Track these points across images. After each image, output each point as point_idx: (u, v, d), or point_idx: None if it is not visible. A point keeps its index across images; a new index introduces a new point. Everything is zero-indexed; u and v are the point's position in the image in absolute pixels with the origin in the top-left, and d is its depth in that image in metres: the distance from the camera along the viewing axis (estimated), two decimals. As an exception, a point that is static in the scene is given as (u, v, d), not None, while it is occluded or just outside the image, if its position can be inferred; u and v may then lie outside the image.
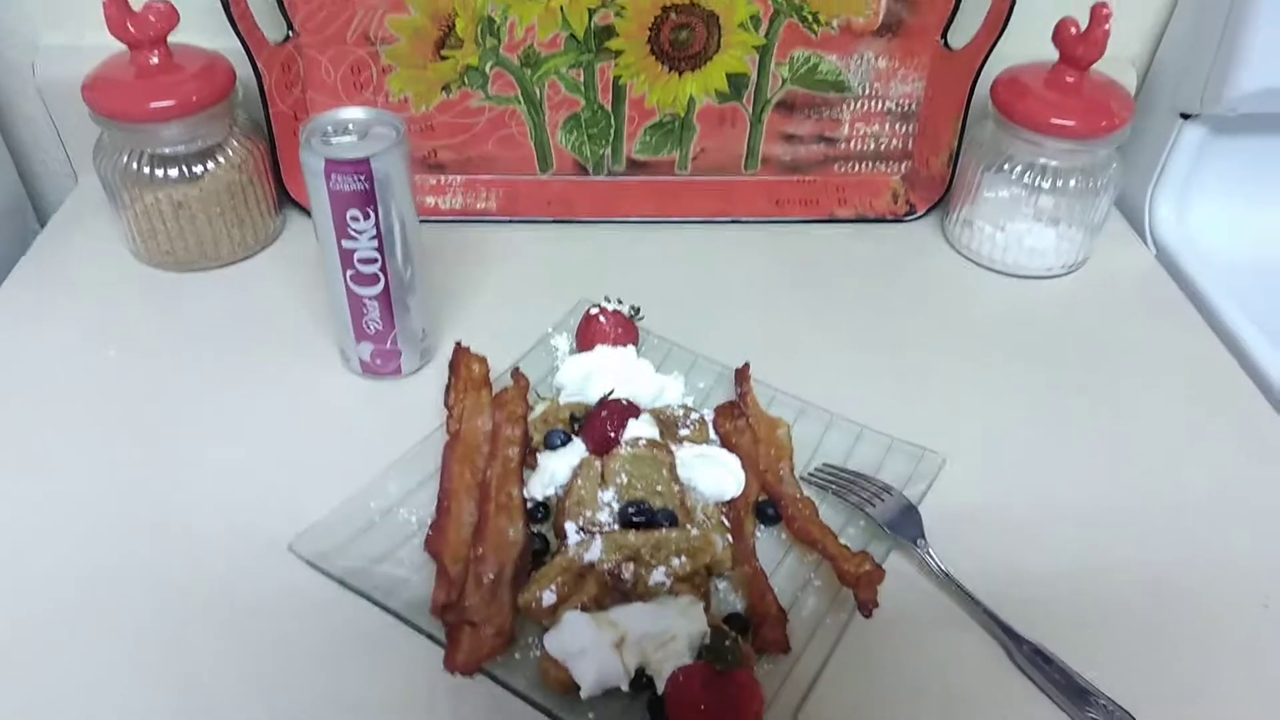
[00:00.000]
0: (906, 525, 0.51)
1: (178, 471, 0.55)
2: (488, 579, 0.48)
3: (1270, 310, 0.69)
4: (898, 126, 0.76)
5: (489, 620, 0.46)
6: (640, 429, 0.51)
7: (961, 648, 0.48)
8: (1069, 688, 0.45)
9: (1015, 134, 0.69)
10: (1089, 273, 0.74)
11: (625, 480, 0.50)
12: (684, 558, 0.46)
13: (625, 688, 0.43)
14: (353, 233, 0.53)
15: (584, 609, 0.45)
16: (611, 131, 0.75)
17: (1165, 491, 0.56)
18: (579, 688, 0.43)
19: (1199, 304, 0.71)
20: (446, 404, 0.56)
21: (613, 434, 0.51)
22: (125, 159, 0.65)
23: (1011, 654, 0.47)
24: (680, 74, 0.72)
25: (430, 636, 0.46)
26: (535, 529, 0.51)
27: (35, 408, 0.59)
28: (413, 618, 0.46)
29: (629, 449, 0.50)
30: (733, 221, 0.77)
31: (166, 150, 0.64)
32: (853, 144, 0.77)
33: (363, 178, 0.51)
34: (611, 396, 0.53)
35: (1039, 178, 0.70)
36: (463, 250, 0.73)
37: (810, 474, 0.55)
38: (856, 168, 0.78)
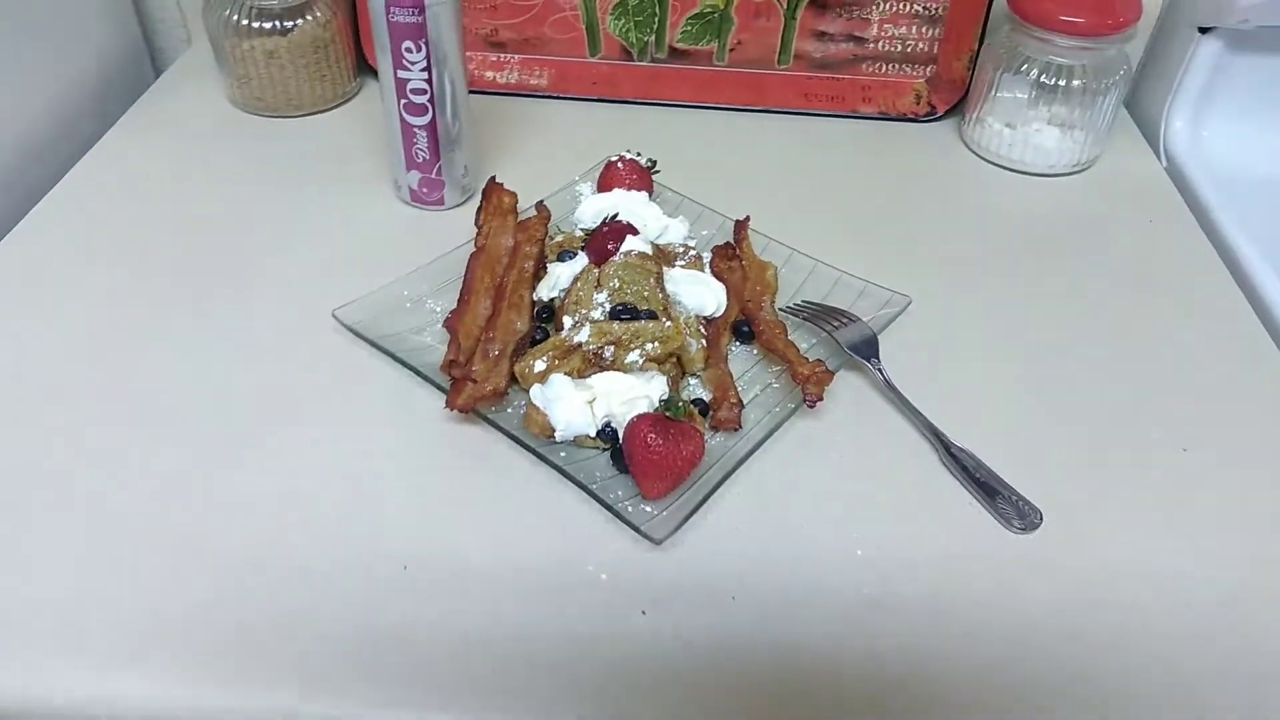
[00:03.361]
0: (864, 347, 0.58)
1: (238, 271, 0.65)
2: (493, 354, 0.56)
3: (1270, 226, 0.72)
4: (924, 30, 0.81)
5: (488, 379, 0.54)
6: (635, 245, 0.59)
7: (897, 446, 0.54)
8: (986, 485, 0.51)
9: (1028, 33, 0.73)
10: (1094, 175, 0.78)
11: (617, 285, 0.57)
12: (656, 343, 0.54)
13: (592, 434, 0.51)
14: (407, 63, 0.62)
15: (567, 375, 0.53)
16: (656, 20, 0.82)
17: (1113, 350, 0.61)
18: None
19: (1200, 215, 0.74)
20: (476, 223, 0.65)
21: (611, 246, 0.59)
22: (229, 13, 0.75)
23: (941, 456, 0.53)
24: (721, -33, 0.79)
25: (441, 389, 0.54)
26: (539, 325, 0.59)
27: (136, 217, 0.69)
28: (429, 374, 0.55)
29: (622, 258, 0.58)
30: (762, 111, 0.84)
31: (265, 4, 0.74)
32: (880, 44, 0.82)
33: (416, 11, 0.60)
34: (618, 218, 0.61)
35: (1052, 77, 0.74)
36: (513, 118, 0.81)
37: (788, 307, 0.62)
38: (883, 68, 0.83)
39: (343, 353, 0.58)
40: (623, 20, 0.83)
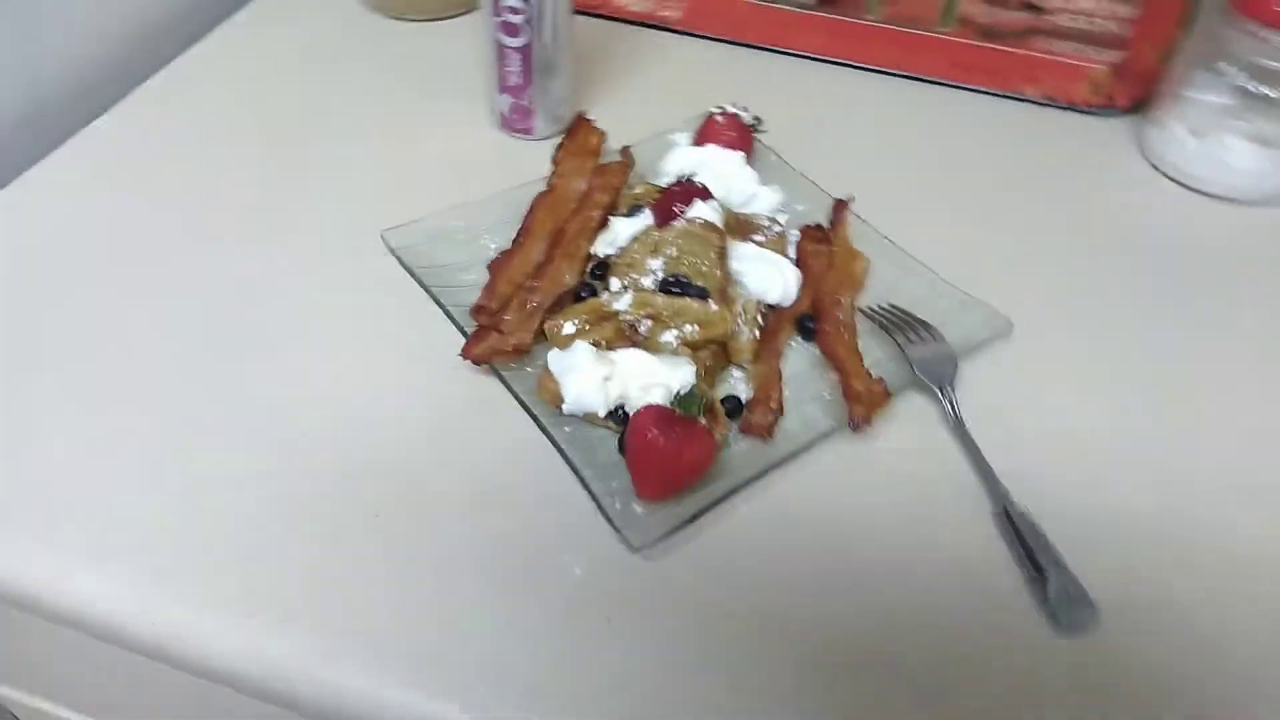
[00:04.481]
0: (939, 370, 0.50)
1: (313, 174, 0.63)
2: (531, 305, 0.53)
3: None
4: (1118, 7, 0.69)
5: (514, 333, 0.51)
6: (703, 211, 0.53)
7: (948, 491, 0.47)
8: (1037, 560, 0.43)
9: (1239, 26, 0.61)
10: (1294, 211, 0.65)
11: (675, 253, 0.52)
12: (695, 326, 0.49)
13: (601, 414, 0.47)
14: (503, -22, 0.58)
15: (595, 345, 0.48)
16: (808, -41, 0.74)
17: (1265, 431, 0.51)
18: (567, 404, 0.47)
19: None
20: (554, 159, 0.61)
21: (676, 209, 0.53)
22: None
23: (996, 513, 0.46)
24: (889, -93, 0.70)
25: (465, 334, 0.51)
26: (588, 283, 0.55)
27: (232, 107, 0.69)
28: (457, 316, 0.52)
29: (684, 224, 0.52)
30: (908, 77, 0.75)
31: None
32: (1061, 18, 0.71)
33: (516, -79, 0.55)
34: (692, 178, 0.55)
35: (1259, 83, 0.61)
36: (632, 51, 0.76)
37: (869, 308, 0.55)
38: (1060, 47, 0.72)
39: (387, 274, 0.55)
40: (771, -44, 0.75)
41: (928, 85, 0.74)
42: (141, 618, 0.42)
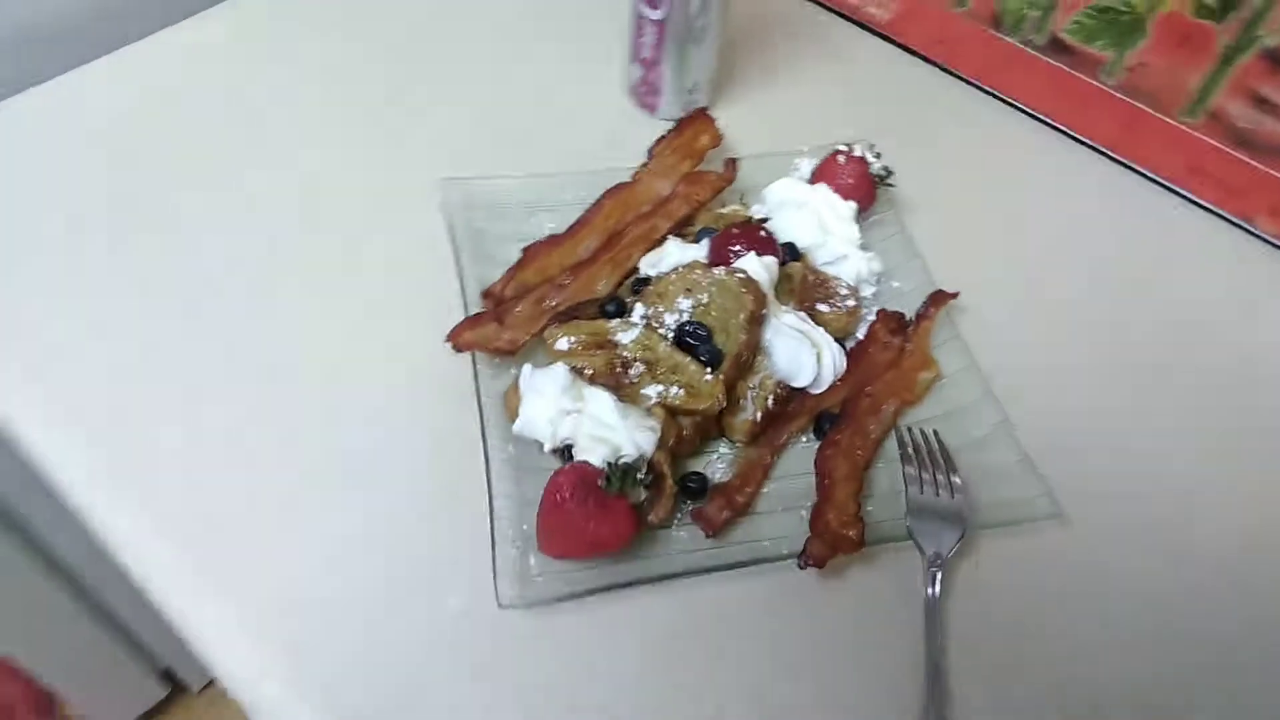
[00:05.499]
0: (936, 532, 0.43)
1: (413, 102, 0.61)
2: (547, 304, 0.50)
3: None
4: None
5: (511, 328, 0.48)
6: (751, 267, 0.47)
7: (882, 679, 0.40)
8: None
9: None
10: None
11: (706, 301, 0.47)
12: (681, 391, 0.44)
13: (546, 448, 0.43)
14: (650, -59, 0.52)
15: (576, 371, 0.45)
16: (1050, -6, 0.62)
17: None
18: (525, 420, 0.44)
19: None
20: (650, 150, 0.56)
21: (729, 254, 0.47)
22: None
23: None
24: (1164, -44, 0.56)
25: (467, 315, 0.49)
26: (619, 298, 0.50)
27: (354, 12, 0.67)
28: (467, 287, 0.49)
29: (724, 274, 0.47)
30: (1117, 161, 0.62)
31: None
32: (1342, 148, 0.56)
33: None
34: (764, 223, 0.49)
35: None
36: (818, 43, 0.68)
37: (910, 427, 0.47)
38: (1329, 182, 0.57)
39: (417, 223, 0.53)
40: (1009, -22, 0.63)
41: (1140, 179, 0.62)
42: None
